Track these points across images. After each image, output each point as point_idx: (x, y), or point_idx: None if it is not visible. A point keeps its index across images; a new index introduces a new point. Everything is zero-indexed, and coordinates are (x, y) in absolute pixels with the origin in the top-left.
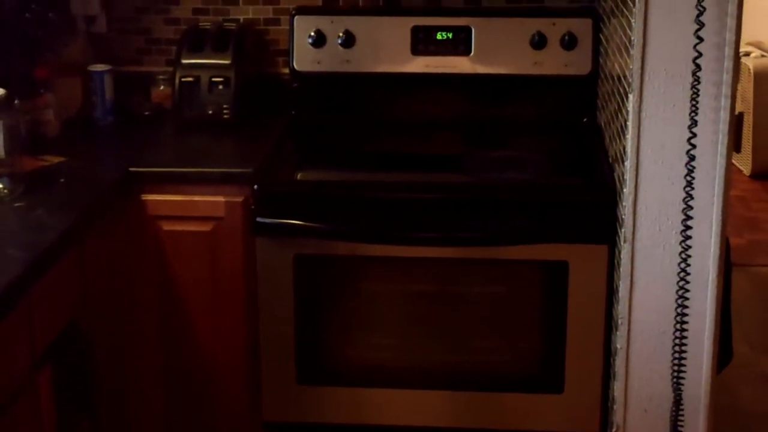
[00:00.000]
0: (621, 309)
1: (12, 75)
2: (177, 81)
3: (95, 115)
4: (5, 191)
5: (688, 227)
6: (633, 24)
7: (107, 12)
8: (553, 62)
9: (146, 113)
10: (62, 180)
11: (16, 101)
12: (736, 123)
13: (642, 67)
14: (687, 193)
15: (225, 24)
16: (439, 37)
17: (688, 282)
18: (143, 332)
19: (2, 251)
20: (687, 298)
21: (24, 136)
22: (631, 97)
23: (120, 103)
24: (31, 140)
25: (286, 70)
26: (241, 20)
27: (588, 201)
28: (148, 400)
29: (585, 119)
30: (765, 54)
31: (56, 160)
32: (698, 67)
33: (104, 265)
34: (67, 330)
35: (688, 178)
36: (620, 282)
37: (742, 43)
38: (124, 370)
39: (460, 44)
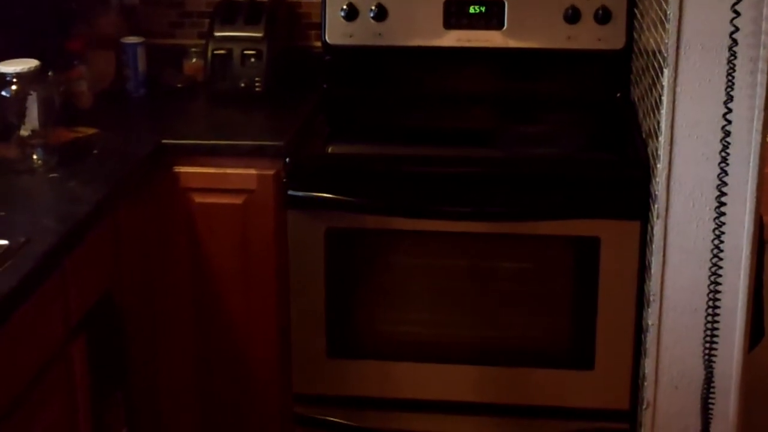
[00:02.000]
0: (653, 285)
1: (46, 47)
2: (209, 54)
3: (128, 87)
4: (39, 162)
5: (722, 204)
6: None
7: None
8: (586, 36)
9: (178, 86)
10: (95, 152)
11: (50, 73)
12: None
13: (678, 42)
14: (722, 169)
15: None
16: (471, 10)
17: (721, 259)
18: (175, 303)
19: (37, 222)
20: (720, 275)
21: (58, 108)
22: (666, 71)
23: (152, 75)
24: (64, 112)
25: (318, 44)
26: None
27: (621, 177)
28: (180, 372)
29: (618, 94)
30: None
31: (89, 131)
32: (735, 41)
33: (137, 237)
34: (101, 302)
35: (723, 155)
36: (652, 258)
37: None
38: (156, 341)
39: (492, 18)
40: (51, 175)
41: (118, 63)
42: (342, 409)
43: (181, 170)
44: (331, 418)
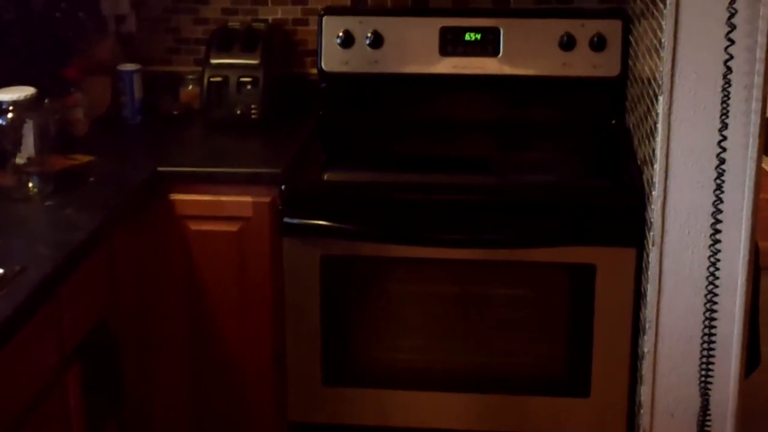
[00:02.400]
0: (648, 313)
1: (42, 74)
2: (205, 81)
3: (124, 114)
4: (35, 190)
5: (718, 231)
6: (663, 26)
7: (137, 12)
8: (581, 64)
9: (174, 113)
10: (91, 179)
11: (46, 100)
12: (767, 126)
13: (672, 69)
14: (717, 196)
15: (253, 24)
16: (467, 38)
17: (716, 286)
18: (171, 331)
19: (32, 249)
20: (716, 302)
21: (54, 135)
22: (661, 99)
23: (149, 102)
24: (60, 139)
25: (314, 71)
26: (270, 20)
27: (616, 204)
28: (175, 399)
29: (613, 121)
30: None
31: (85, 159)
32: (729, 69)
33: (132, 265)
34: (97, 329)
35: (718, 182)
36: (648, 285)
37: None
38: (151, 369)
39: (488, 45)
40: (47, 203)
41: (115, 90)
42: None
43: (177, 198)
44: None
